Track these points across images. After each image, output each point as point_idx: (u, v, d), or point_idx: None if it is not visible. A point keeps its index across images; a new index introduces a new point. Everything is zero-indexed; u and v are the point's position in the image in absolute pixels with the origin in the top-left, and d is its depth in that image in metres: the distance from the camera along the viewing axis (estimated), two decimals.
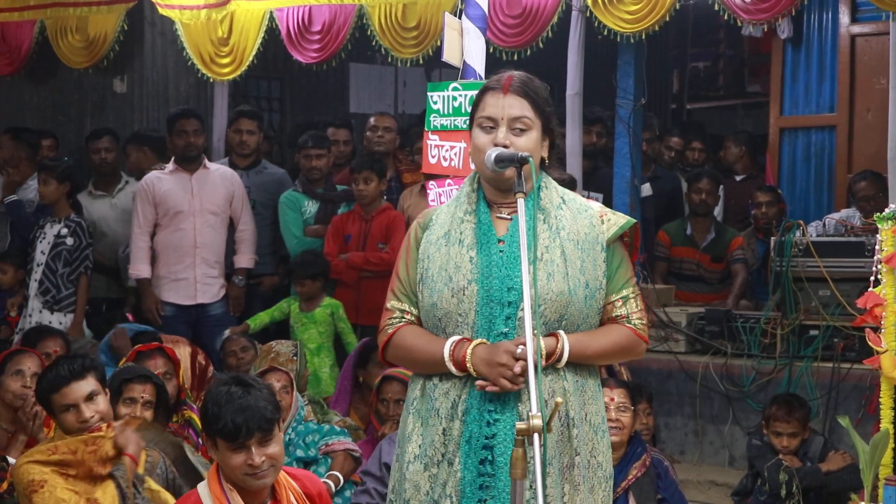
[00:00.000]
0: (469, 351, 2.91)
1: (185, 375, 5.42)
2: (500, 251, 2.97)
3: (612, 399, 4.57)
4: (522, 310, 2.82)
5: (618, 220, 3.08)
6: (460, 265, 2.97)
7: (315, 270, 6.59)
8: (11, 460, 4.36)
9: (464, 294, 2.95)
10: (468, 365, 2.90)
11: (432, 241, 3.05)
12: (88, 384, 4.02)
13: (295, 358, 5.69)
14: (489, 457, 2.90)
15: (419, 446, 2.99)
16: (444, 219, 3.08)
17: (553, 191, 3.07)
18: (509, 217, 3.03)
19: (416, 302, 3.08)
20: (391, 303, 3.12)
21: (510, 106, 2.98)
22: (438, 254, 3.02)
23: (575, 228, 3.01)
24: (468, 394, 2.94)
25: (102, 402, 4.04)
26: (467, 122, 3.14)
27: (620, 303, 3.08)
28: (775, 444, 5.27)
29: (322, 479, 4.52)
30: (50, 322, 6.64)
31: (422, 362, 3.03)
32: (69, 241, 6.82)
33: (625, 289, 3.09)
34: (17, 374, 4.77)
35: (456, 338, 2.95)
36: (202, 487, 3.52)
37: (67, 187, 6.91)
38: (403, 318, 3.08)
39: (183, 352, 5.62)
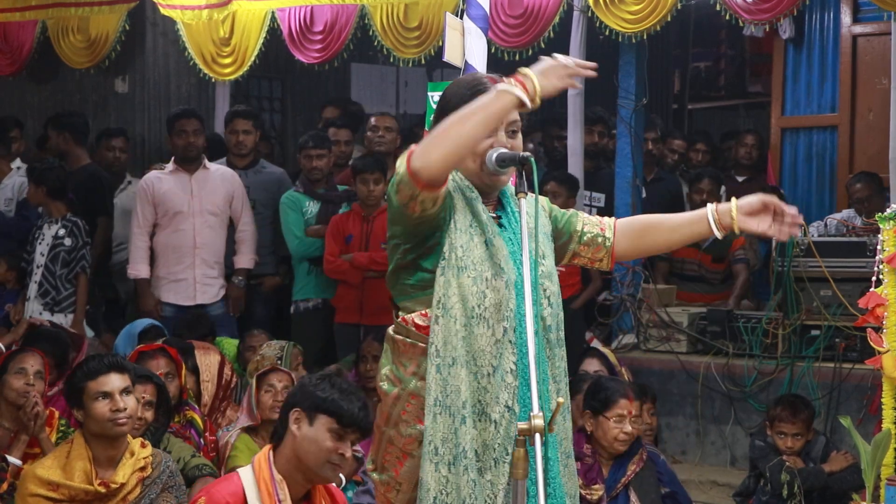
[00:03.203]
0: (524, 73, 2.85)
1: (210, 382, 5.43)
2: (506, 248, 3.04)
3: (630, 412, 4.56)
4: (539, 304, 2.95)
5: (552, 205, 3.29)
6: (508, 260, 2.98)
7: (203, 331, 6.35)
8: (12, 460, 4.38)
9: (510, 288, 2.96)
10: (531, 78, 2.83)
11: (462, 227, 2.97)
12: (125, 380, 4.11)
13: (279, 362, 5.66)
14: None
15: (474, 452, 2.90)
16: (461, 205, 3.01)
17: (509, 186, 3.14)
18: (495, 214, 3.07)
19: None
20: None
21: None
22: (472, 243, 2.96)
23: (543, 222, 3.14)
24: (517, 393, 2.93)
25: (133, 402, 4.12)
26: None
27: (591, 221, 3.26)
28: (779, 444, 5.26)
29: None
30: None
31: (472, 124, 2.81)
32: (67, 241, 6.80)
33: (575, 218, 3.26)
34: (20, 373, 4.78)
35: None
36: (245, 473, 3.56)
37: (44, 190, 6.87)
38: None
39: (211, 360, 5.62)
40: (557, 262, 3.22)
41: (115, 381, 4.07)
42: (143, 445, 4.17)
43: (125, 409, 4.04)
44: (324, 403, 3.55)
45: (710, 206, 3.12)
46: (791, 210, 3.05)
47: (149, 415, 4.57)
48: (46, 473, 4.00)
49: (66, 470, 4.01)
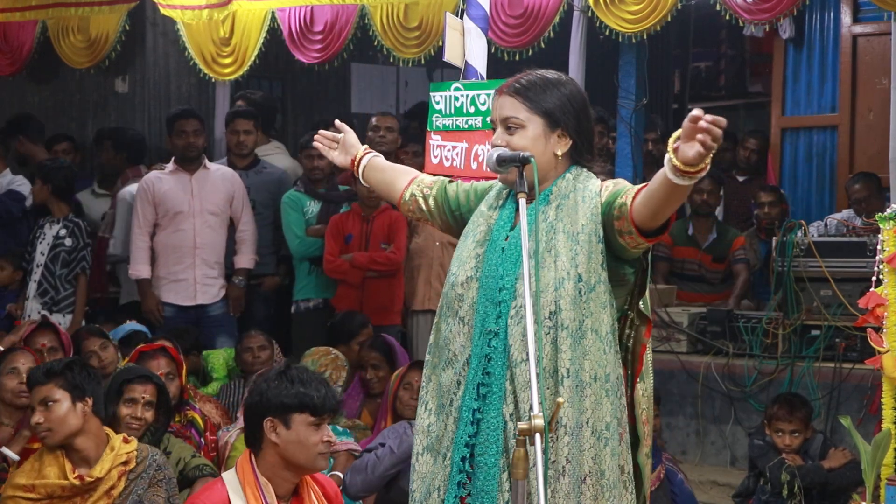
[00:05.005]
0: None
1: None
2: (503, 249, 3.00)
3: None
4: (514, 308, 2.90)
5: (615, 187, 3.00)
6: (465, 260, 3.04)
7: (190, 343, 6.31)
8: (7, 452, 4.38)
9: (463, 288, 3.01)
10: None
11: (464, 233, 3.15)
12: (47, 390, 4.05)
13: (345, 366, 5.83)
14: (468, 454, 2.95)
15: (427, 438, 3.04)
16: (479, 211, 3.17)
17: (570, 181, 3.03)
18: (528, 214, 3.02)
19: (438, 194, 3.31)
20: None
21: (501, 107, 3.07)
22: (460, 246, 3.11)
23: (573, 219, 2.96)
24: (462, 391, 2.98)
25: (60, 411, 4.02)
26: (469, 122, 3.23)
27: (623, 196, 2.92)
28: (777, 442, 5.27)
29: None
30: None
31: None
32: (68, 241, 6.81)
33: (623, 192, 2.94)
34: (12, 373, 4.79)
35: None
36: (229, 477, 3.54)
37: (49, 188, 6.88)
38: (421, 186, 3.34)
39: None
40: (619, 254, 3.03)
41: (35, 394, 4.07)
42: (125, 441, 4.15)
43: (39, 423, 4.01)
44: (293, 403, 3.52)
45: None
46: (704, 119, 2.55)
47: (149, 415, 4.57)
48: (21, 479, 4.02)
49: (40, 470, 4.02)
